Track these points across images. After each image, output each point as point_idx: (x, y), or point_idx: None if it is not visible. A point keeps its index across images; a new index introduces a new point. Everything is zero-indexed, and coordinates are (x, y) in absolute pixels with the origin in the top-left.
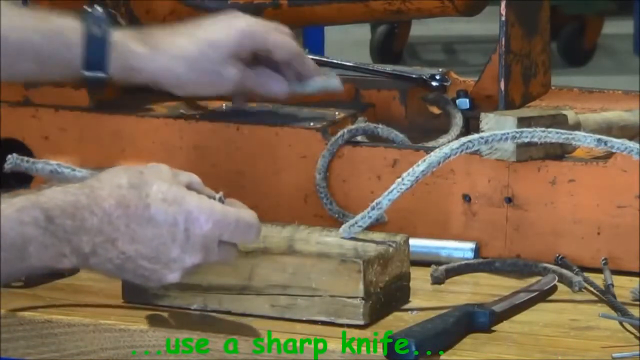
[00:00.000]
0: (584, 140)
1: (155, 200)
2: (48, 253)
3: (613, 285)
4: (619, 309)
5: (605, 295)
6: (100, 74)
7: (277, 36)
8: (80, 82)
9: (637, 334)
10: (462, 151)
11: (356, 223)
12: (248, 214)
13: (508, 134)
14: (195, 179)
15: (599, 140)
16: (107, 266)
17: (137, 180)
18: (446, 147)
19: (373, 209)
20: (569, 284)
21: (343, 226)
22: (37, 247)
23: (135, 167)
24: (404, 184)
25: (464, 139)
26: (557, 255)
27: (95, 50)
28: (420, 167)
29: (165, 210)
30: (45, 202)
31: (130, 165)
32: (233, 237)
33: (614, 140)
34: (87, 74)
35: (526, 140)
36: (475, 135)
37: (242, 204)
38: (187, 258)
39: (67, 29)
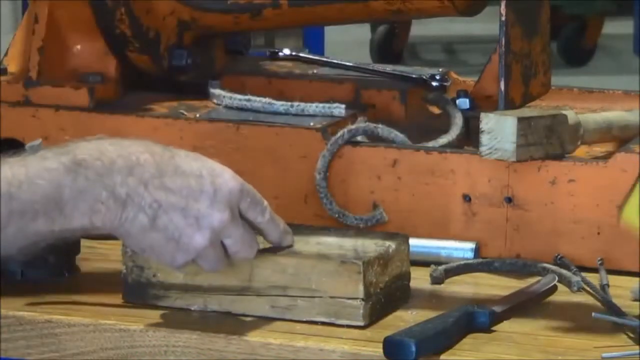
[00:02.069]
0: None
1: (178, 154)
2: (84, 199)
3: (608, 285)
4: (615, 310)
5: (601, 296)
6: None
7: None
8: None
9: (634, 335)
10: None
11: None
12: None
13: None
14: None
15: None
16: (141, 220)
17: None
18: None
19: None
20: (568, 284)
21: None
22: (71, 193)
23: None
24: None
25: None
26: (557, 255)
27: None
28: None
29: (190, 163)
30: (70, 149)
31: None
32: (250, 207)
33: None
34: None
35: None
36: None
37: None
38: (215, 213)
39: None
